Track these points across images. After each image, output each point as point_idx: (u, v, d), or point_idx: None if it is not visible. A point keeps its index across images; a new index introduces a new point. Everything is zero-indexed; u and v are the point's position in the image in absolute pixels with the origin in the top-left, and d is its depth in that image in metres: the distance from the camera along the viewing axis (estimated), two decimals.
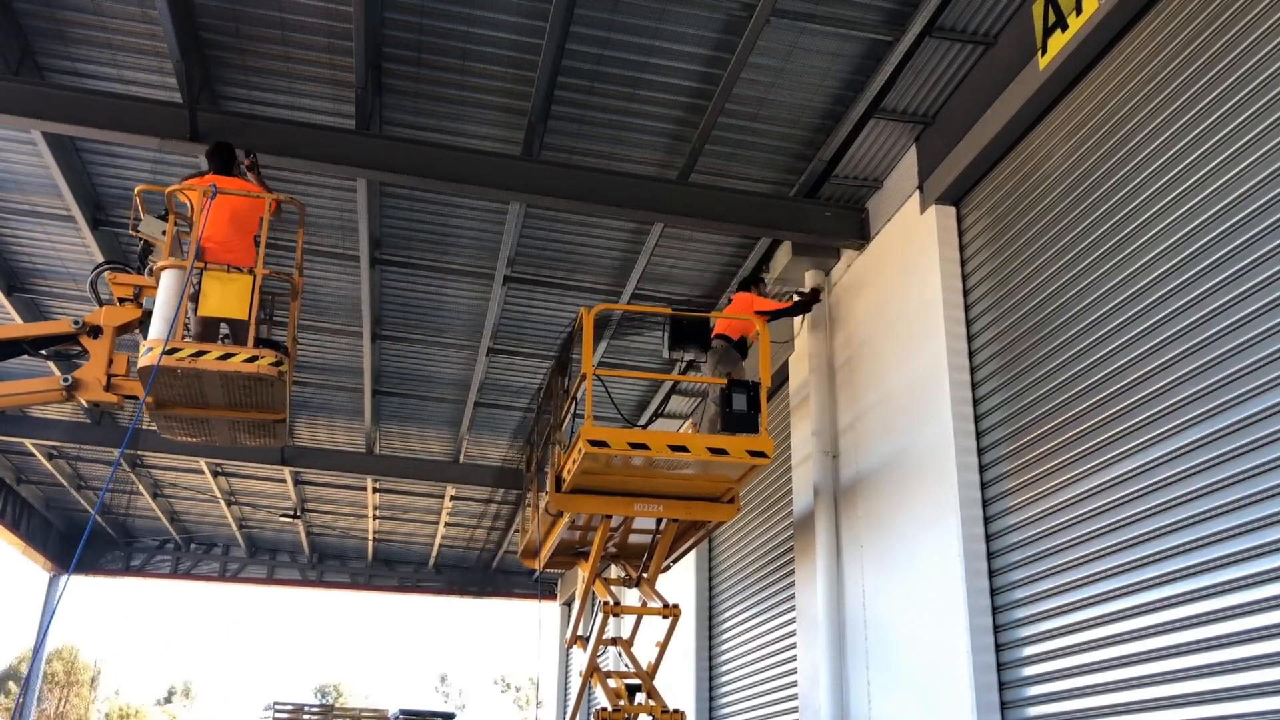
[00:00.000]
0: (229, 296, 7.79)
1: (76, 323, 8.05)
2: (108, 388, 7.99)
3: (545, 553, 10.96)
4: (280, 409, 8.17)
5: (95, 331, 8.07)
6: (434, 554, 24.43)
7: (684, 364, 13.19)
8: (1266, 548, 5.03)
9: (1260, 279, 5.23)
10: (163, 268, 7.78)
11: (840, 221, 9.53)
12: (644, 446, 8.34)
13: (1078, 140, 6.83)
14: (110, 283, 8.23)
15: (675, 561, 11.03)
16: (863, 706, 8.49)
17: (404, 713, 21.90)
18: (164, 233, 8.02)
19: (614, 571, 11.53)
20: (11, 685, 51.47)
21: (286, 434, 8.47)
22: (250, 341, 7.68)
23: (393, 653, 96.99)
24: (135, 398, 7.82)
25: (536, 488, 11.27)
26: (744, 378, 9.24)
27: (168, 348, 7.45)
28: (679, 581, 14.29)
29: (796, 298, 10.04)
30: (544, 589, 25.20)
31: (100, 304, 8.30)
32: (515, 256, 11.21)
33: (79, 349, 8.15)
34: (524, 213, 10.35)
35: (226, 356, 7.56)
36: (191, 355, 7.51)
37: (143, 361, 7.46)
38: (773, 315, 9.55)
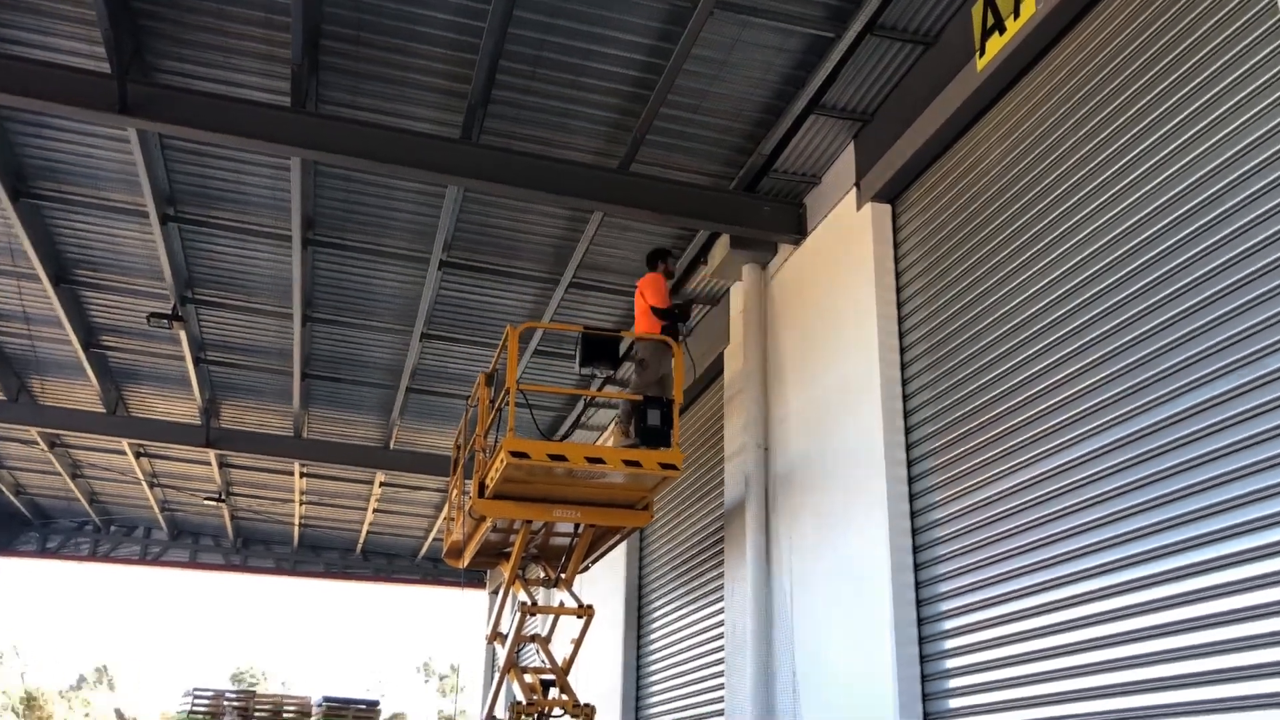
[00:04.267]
0: None
1: None
2: None
3: (469, 553, 11.22)
4: None
5: None
6: (361, 540, 24.19)
7: (602, 380, 13.53)
8: (1180, 545, 5.16)
9: (1185, 282, 5.37)
10: None
11: (778, 216, 9.59)
12: (562, 458, 8.86)
13: (1012, 142, 6.95)
14: None
15: (594, 562, 11.57)
16: (788, 699, 8.58)
17: (327, 700, 21.61)
18: None
19: (538, 571, 11.74)
20: None
21: None
22: None
23: (317, 639, 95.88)
24: None
25: (461, 489, 11.49)
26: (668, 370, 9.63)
27: None
28: (609, 573, 14.31)
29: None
30: (471, 577, 25.09)
31: None
32: (452, 241, 11.11)
33: None
34: (462, 197, 10.26)
35: None
36: None
37: None
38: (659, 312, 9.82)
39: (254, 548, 25.00)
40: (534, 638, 10.98)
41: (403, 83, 8.77)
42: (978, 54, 7.03)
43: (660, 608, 12.95)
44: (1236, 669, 4.76)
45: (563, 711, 10.04)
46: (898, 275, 8.19)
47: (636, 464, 8.94)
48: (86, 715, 55.25)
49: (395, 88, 8.83)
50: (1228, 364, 5.03)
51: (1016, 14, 6.62)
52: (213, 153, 9.84)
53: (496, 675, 10.66)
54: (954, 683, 6.82)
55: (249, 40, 8.37)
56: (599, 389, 13.87)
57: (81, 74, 8.26)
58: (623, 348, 11.54)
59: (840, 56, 7.95)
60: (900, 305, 8.10)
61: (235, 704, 21.44)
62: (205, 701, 21.13)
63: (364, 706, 21.89)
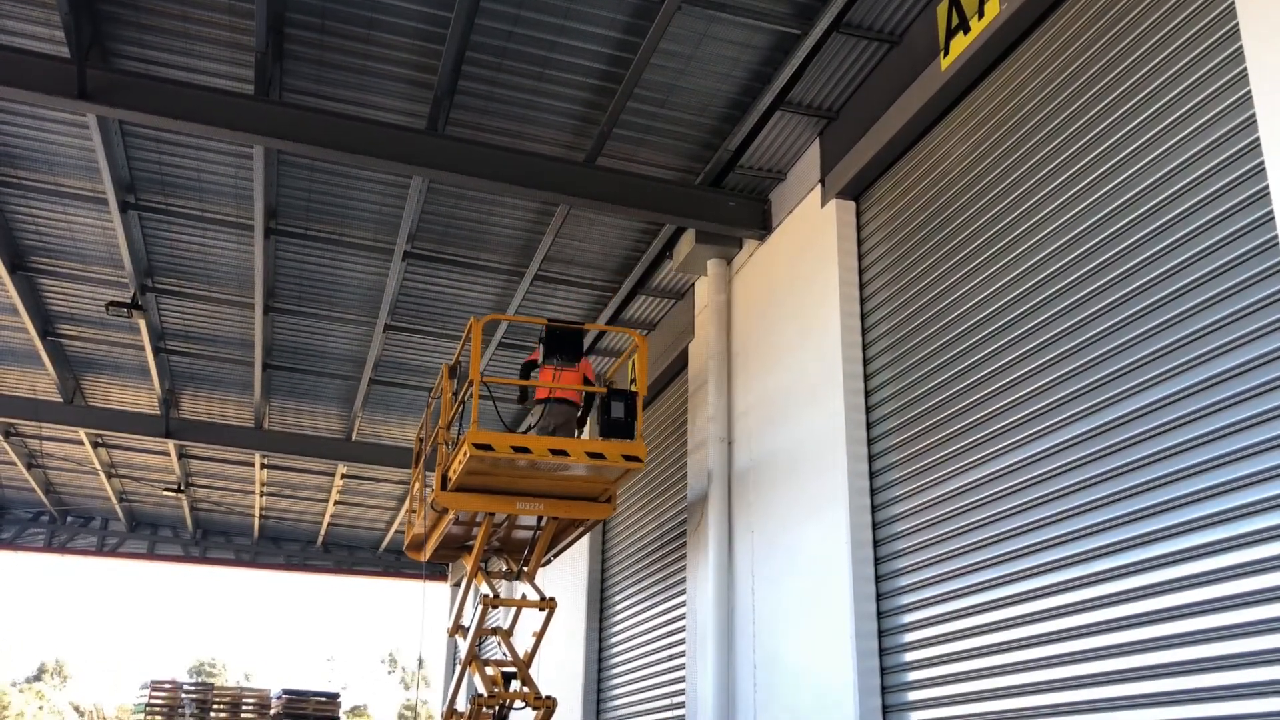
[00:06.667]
0: None
1: None
2: None
3: (431, 546, 11.17)
4: None
5: None
6: (323, 532, 24.03)
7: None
8: (1138, 539, 5.24)
9: (1142, 282, 5.44)
10: None
11: (743, 211, 9.62)
12: (526, 450, 8.82)
13: (975, 141, 7.01)
14: None
15: (556, 555, 11.53)
16: (748, 691, 8.62)
17: (286, 692, 21.47)
18: None
19: (500, 564, 11.71)
20: None
21: None
22: None
23: (278, 632, 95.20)
24: None
25: (424, 481, 11.45)
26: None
27: None
28: (571, 566, 14.31)
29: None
30: (433, 570, 25.01)
31: None
32: (416, 232, 11.05)
33: None
34: (426, 188, 10.21)
35: None
36: None
37: None
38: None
39: (213, 539, 24.75)
40: (496, 631, 10.97)
41: (368, 72, 8.71)
42: (942, 53, 7.09)
43: (622, 601, 12.97)
44: (1194, 660, 4.84)
45: (524, 704, 10.05)
46: (861, 272, 8.25)
47: (600, 456, 8.94)
48: (40, 709, 54.56)
49: (360, 77, 8.76)
50: (1182, 363, 5.11)
51: (981, 14, 6.68)
52: (174, 140, 9.73)
53: (458, 668, 10.62)
54: (913, 675, 6.88)
55: (212, 26, 8.27)
56: None
57: (40, 58, 8.13)
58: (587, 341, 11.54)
59: (806, 53, 7.98)
60: (863, 301, 8.16)
61: (193, 696, 21.24)
62: (162, 694, 20.92)
63: (324, 699, 21.76)
